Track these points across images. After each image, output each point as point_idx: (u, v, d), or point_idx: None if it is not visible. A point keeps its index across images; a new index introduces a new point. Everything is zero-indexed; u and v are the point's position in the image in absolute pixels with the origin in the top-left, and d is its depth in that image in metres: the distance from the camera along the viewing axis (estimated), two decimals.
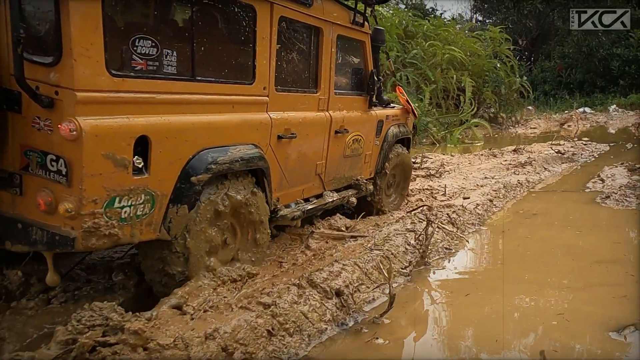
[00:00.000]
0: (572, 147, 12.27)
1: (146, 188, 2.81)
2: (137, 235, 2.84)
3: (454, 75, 14.68)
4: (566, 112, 19.81)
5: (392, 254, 4.33)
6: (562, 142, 12.77)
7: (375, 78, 5.21)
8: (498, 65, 17.02)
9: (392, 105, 6.17)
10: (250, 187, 3.56)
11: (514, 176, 8.64)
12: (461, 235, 5.35)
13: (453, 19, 19.56)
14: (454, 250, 5.00)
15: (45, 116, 2.48)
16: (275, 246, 4.47)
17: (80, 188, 2.47)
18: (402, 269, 4.24)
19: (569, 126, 16.93)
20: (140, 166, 2.75)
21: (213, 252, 3.41)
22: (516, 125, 17.53)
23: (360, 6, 4.78)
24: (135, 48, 2.65)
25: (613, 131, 16.94)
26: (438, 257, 4.77)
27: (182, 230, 3.09)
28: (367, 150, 5.38)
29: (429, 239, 4.51)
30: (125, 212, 2.72)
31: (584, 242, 5.53)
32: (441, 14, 21.56)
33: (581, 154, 11.61)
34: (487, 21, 20.94)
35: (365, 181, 5.35)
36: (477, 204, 6.45)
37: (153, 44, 2.73)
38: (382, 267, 3.85)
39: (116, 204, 2.66)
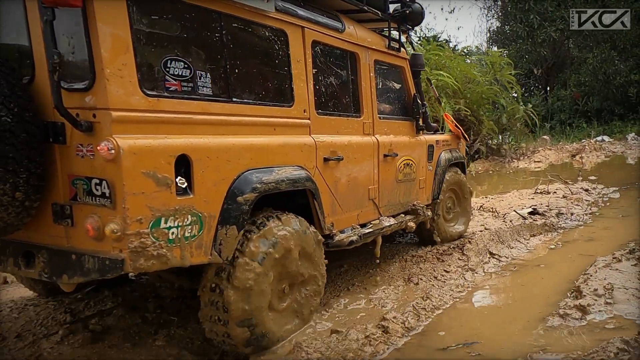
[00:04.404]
0: (563, 196, 8.50)
1: (192, 209, 2.68)
2: (187, 258, 2.69)
3: (444, 103, 12.01)
4: (583, 141, 18.07)
5: None
6: (551, 187, 9.25)
7: (419, 102, 5.03)
8: (498, 91, 14.42)
9: (441, 132, 5.95)
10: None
11: None
12: None
13: (468, 50, 18.35)
14: None
15: (87, 142, 2.43)
16: None
17: (123, 207, 2.37)
18: None
19: (580, 158, 14.86)
20: (184, 186, 2.64)
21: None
22: (521, 158, 15.08)
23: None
24: (167, 69, 2.61)
25: (632, 162, 14.45)
26: None
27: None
28: (420, 176, 5.12)
29: None
30: (172, 233, 2.59)
31: None
32: (455, 45, 20.37)
33: (571, 212, 7.40)
34: (505, 53, 20.01)
35: (422, 206, 5.05)
36: None
37: (186, 65, 2.69)
38: None
39: (162, 225, 2.53)
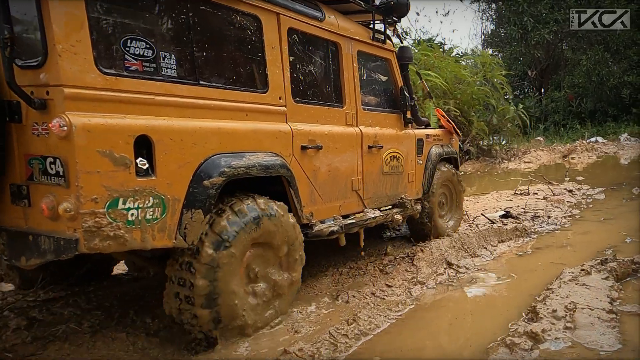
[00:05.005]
0: (544, 198, 7.89)
1: (154, 191, 2.60)
2: (149, 241, 2.61)
3: (432, 103, 11.41)
4: (576, 142, 17.76)
5: None
6: (533, 188, 8.65)
7: (407, 95, 4.92)
8: (489, 92, 14.03)
9: (431, 127, 5.84)
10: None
11: None
12: None
13: (465, 53, 18.14)
14: None
15: (41, 120, 2.38)
16: None
17: (76, 185, 2.30)
18: None
19: (572, 158, 14.43)
20: (145, 167, 2.56)
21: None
22: (512, 159, 14.73)
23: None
24: (127, 48, 2.54)
25: (625, 162, 13.93)
26: None
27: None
28: (409, 169, 5.01)
29: None
30: (132, 214, 2.51)
31: None
32: (450, 48, 20.14)
33: (549, 214, 6.79)
34: (499, 55, 19.70)
35: (410, 200, 4.94)
36: None
37: (148, 45, 2.62)
38: None
39: (120, 205, 2.46)
